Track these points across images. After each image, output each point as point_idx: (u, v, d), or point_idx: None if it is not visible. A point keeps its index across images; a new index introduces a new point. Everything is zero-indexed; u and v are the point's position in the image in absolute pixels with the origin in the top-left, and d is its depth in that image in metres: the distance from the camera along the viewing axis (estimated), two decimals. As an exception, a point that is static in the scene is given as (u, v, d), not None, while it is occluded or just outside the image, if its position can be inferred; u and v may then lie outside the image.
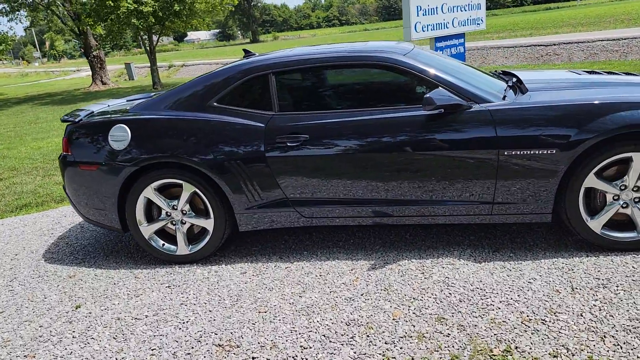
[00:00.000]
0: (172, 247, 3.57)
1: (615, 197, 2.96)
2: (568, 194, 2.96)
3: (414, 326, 2.55)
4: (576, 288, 2.70)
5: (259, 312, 2.84)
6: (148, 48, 20.97)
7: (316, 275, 3.18)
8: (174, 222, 3.52)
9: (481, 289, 2.79)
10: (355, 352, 2.40)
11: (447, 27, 10.78)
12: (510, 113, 2.94)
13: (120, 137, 3.41)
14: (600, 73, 3.61)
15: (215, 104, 3.40)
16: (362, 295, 2.89)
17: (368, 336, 2.51)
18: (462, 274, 2.98)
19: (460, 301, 2.70)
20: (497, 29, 25.05)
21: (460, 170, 3.03)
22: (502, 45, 16.88)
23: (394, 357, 2.34)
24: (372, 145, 3.10)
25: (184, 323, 2.81)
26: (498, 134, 2.93)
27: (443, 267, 3.08)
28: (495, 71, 4.07)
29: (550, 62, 14.32)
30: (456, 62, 3.75)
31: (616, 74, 3.58)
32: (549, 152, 2.88)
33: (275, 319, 2.76)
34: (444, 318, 2.58)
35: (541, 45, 15.73)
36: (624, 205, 2.96)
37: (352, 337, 2.52)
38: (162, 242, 3.58)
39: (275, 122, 3.27)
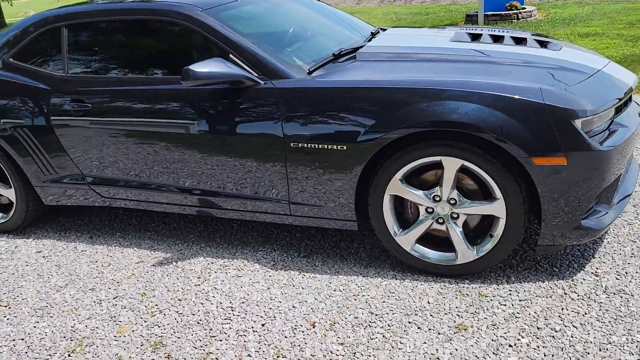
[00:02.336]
0: (-14, 215, 3.29)
1: (430, 210, 2.31)
2: (371, 200, 2.35)
3: (122, 348, 2.13)
4: (337, 323, 2.15)
5: (-1, 306, 2.52)
6: None
7: (98, 266, 2.80)
8: (-19, 190, 3.22)
9: (234, 309, 2.30)
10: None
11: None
12: (297, 94, 2.31)
13: None
14: (480, 40, 2.78)
15: (11, 60, 2.97)
16: (114, 298, 2.49)
17: (69, 355, 2.14)
18: (236, 283, 2.49)
19: (198, 323, 2.24)
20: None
21: (252, 162, 2.47)
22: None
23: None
24: (157, 122, 2.59)
25: None
26: (284, 120, 2.33)
27: (226, 273, 2.60)
28: (380, 28, 3.32)
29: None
30: (315, 14, 3.06)
31: (501, 42, 2.74)
32: (339, 147, 2.26)
33: (5, 318, 2.43)
34: (162, 344, 2.14)
35: None
36: (440, 221, 2.31)
37: (53, 354, 2.15)
38: (-27, 209, 3.31)
39: (62, 85, 2.81)
